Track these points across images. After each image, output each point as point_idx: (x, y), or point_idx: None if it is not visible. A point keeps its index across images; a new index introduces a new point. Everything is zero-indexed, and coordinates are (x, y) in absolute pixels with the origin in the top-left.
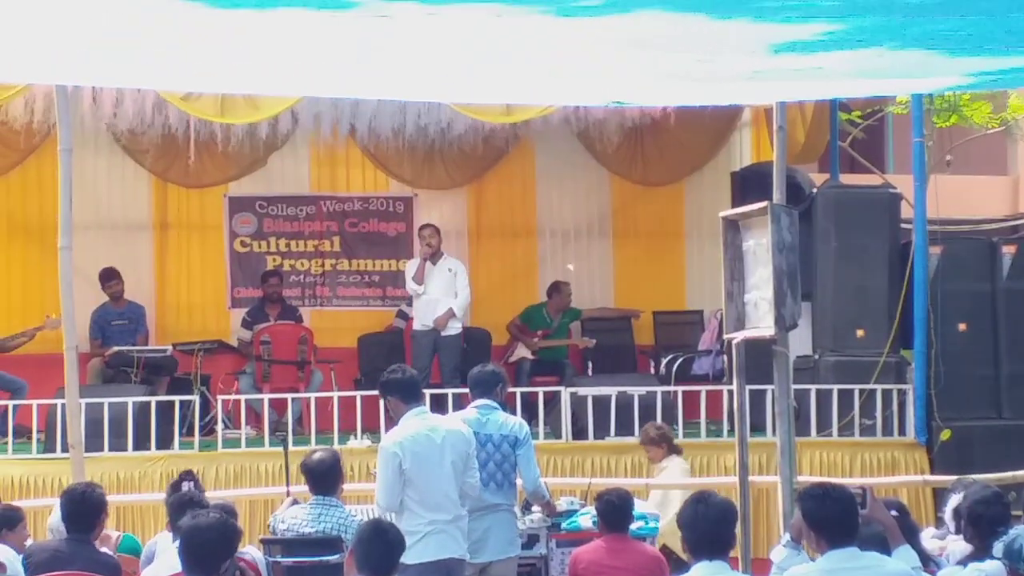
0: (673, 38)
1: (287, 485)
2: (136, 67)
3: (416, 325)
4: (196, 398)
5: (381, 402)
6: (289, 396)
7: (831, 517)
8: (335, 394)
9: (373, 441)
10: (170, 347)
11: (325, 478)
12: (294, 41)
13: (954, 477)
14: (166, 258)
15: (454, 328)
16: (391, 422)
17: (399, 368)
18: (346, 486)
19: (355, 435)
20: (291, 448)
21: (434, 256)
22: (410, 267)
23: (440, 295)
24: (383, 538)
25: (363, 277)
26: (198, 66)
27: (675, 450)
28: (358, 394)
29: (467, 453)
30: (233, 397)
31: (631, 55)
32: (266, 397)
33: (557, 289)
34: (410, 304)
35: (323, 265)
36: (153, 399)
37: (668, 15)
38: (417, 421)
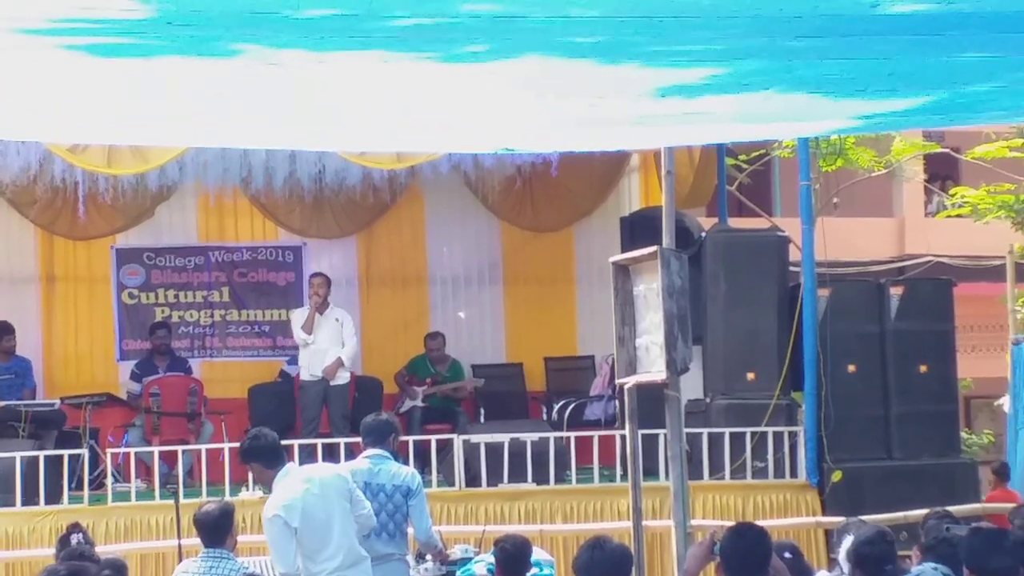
0: (561, 83)
1: (178, 538)
2: (20, 119)
3: (304, 375)
4: (85, 452)
5: None
6: (179, 448)
7: (744, 557)
8: (226, 445)
9: (265, 492)
10: (58, 401)
11: (215, 530)
12: (181, 91)
13: (847, 518)
14: (53, 311)
15: (343, 378)
16: None
17: (260, 433)
18: (239, 538)
19: (247, 486)
20: (182, 501)
21: (321, 306)
22: (297, 317)
23: (328, 345)
24: None
25: (253, 327)
26: (84, 117)
27: None
28: None
29: (348, 490)
30: (123, 450)
31: (519, 101)
32: (156, 449)
33: (425, 343)
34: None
35: (212, 316)
36: (41, 454)
37: (555, 60)
38: (290, 480)
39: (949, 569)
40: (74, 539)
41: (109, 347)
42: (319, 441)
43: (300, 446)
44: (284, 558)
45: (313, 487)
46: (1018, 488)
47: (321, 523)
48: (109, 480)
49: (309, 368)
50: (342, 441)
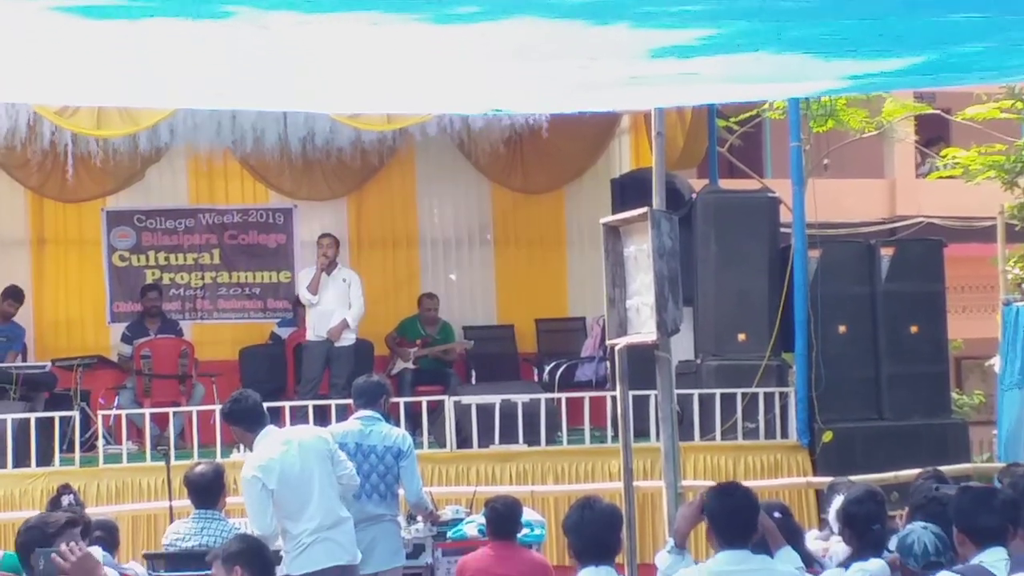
0: (551, 45)
1: (169, 500)
2: (10, 80)
3: (309, 335)
4: (76, 414)
5: None
6: (171, 410)
7: (726, 514)
8: (217, 407)
9: None
10: (49, 363)
11: (207, 491)
12: (171, 52)
13: (834, 478)
14: (44, 274)
15: (348, 339)
16: None
17: (241, 396)
18: (230, 500)
19: (238, 448)
20: (173, 463)
21: (329, 266)
22: (304, 276)
23: (335, 306)
24: (270, 552)
25: (243, 289)
26: (74, 79)
27: None
28: None
29: (328, 451)
30: (114, 412)
31: (509, 62)
32: (147, 412)
33: (420, 302)
34: (292, 316)
35: (203, 278)
36: (33, 416)
37: (546, 22)
38: (269, 441)
39: (938, 528)
40: (65, 500)
41: (100, 309)
42: (310, 403)
43: (292, 408)
44: (260, 519)
45: (292, 448)
46: (1004, 447)
47: (300, 484)
48: (100, 442)
49: (314, 328)
50: (333, 403)
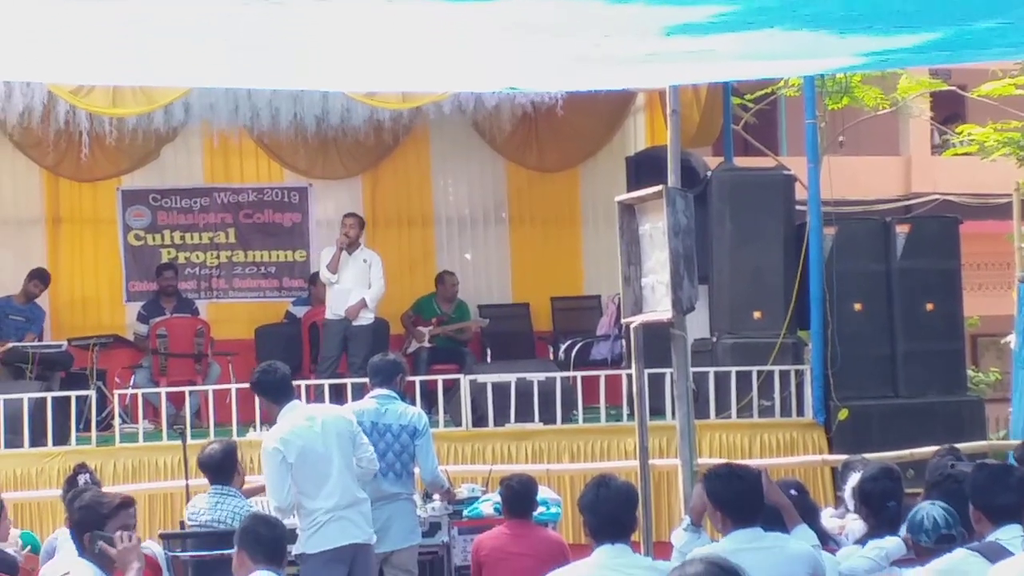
0: (566, 23)
1: (186, 479)
2: (23, 61)
3: (328, 314)
4: (92, 393)
5: None
6: (187, 389)
7: (736, 496)
8: (233, 386)
9: None
10: (65, 342)
11: (219, 469)
12: (185, 30)
13: (849, 456)
14: (59, 253)
15: (366, 319)
16: None
17: (270, 367)
18: (249, 477)
19: (254, 427)
20: (189, 441)
21: (351, 246)
22: (325, 255)
23: (353, 285)
24: (271, 529)
25: (259, 268)
26: (87, 59)
27: None
28: None
29: (351, 432)
30: (130, 391)
31: (524, 40)
32: (163, 391)
33: (441, 280)
34: (307, 295)
35: (218, 257)
36: (49, 395)
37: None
38: (293, 415)
39: (950, 506)
40: (81, 479)
41: (116, 289)
42: (326, 382)
43: (308, 387)
44: (277, 492)
45: (315, 425)
46: (1019, 427)
47: (319, 462)
48: (117, 421)
49: (333, 307)
50: (349, 382)
